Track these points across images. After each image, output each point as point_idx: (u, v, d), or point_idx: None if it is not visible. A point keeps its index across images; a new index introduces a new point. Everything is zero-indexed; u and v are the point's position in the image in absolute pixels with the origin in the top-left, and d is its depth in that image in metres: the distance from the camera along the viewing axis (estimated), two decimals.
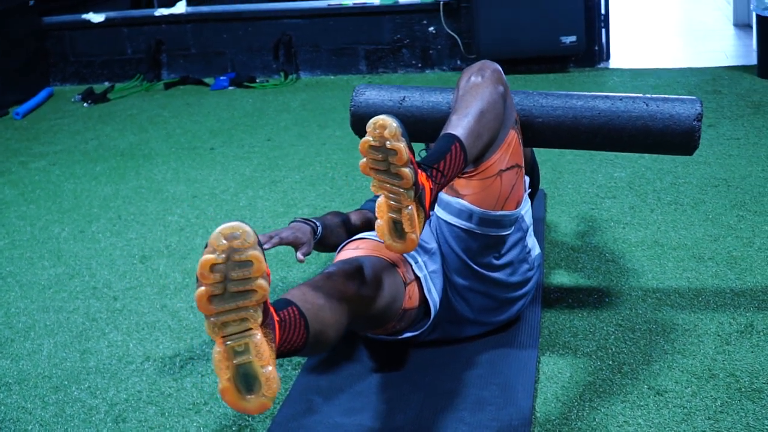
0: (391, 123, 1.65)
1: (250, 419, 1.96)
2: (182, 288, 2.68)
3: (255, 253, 1.39)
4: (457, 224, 2.08)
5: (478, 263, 2.10)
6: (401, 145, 1.65)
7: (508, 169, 2.09)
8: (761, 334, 2.16)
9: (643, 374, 2.03)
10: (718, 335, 2.17)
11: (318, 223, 2.28)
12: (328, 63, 5.66)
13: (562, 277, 2.54)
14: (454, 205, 2.06)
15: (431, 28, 5.41)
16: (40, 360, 2.32)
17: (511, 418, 1.86)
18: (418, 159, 1.80)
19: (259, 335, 1.41)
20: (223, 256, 1.38)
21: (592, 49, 5.25)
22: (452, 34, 5.35)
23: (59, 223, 3.36)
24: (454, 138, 1.89)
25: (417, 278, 2.06)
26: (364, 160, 1.70)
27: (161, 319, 2.49)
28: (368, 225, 2.50)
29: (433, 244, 2.11)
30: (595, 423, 1.86)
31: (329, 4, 5.57)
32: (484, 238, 2.08)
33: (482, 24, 5.10)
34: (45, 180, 3.94)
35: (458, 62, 5.43)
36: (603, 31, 5.36)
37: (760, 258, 2.56)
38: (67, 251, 3.06)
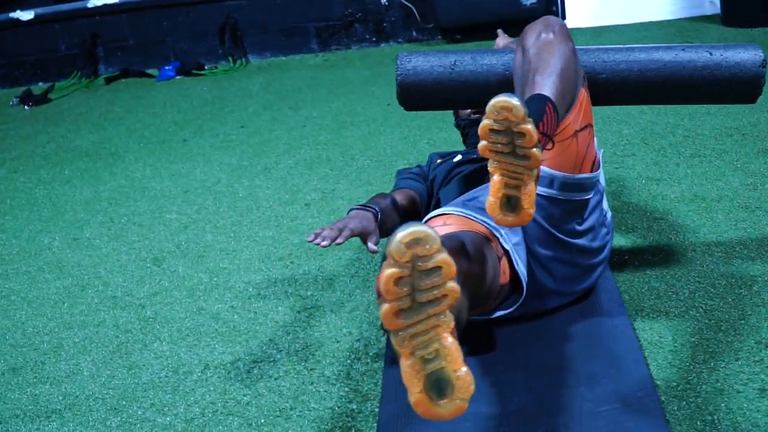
0: (516, 104, 1.51)
1: (351, 419, 1.81)
2: (213, 288, 2.49)
3: (443, 257, 1.22)
4: (537, 192, 1.95)
5: (562, 230, 1.98)
6: (530, 127, 1.52)
7: (582, 129, 1.98)
8: None
9: (744, 329, 1.95)
10: None
11: (377, 209, 2.15)
12: (277, 44, 5.46)
13: (619, 240, 2.45)
14: None
15: (384, 0, 5.26)
16: (83, 381, 2.11)
17: (634, 389, 1.76)
18: None
19: (450, 339, 1.26)
20: (408, 267, 1.22)
21: (550, 10, 5.19)
22: (407, 4, 5.21)
23: (46, 232, 3.11)
24: (546, 99, 1.77)
25: (505, 252, 1.93)
26: (485, 143, 1.56)
27: (203, 323, 2.30)
28: (415, 205, 2.37)
29: None
30: (719, 384, 1.77)
31: None
32: (566, 204, 1.96)
33: None
34: (12, 188, 3.67)
35: (414, 33, 5.30)
36: None
37: None
38: (67, 261, 2.83)
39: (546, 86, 1.81)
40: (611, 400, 1.74)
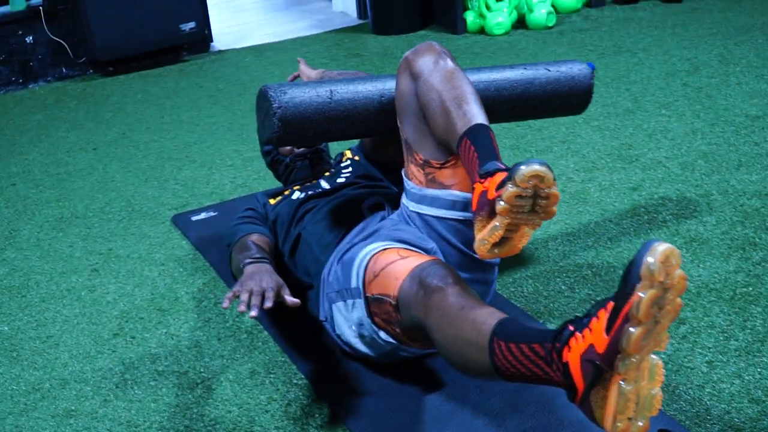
0: (549, 173, 1.58)
1: None
2: (62, 387, 2.11)
3: (683, 272, 1.28)
4: (452, 217, 1.96)
5: None
6: (556, 191, 1.61)
7: None
8: None
9: None
10: None
11: (267, 259, 2.07)
12: None
13: None
14: (445, 198, 1.95)
15: (29, 38, 4.76)
16: None
17: None
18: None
19: (657, 357, 1.25)
20: (660, 286, 1.25)
21: (202, 33, 5.08)
22: (58, 40, 4.77)
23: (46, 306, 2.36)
24: (487, 128, 1.81)
25: None
26: (506, 206, 1.59)
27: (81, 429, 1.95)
28: (269, 247, 2.28)
29: (431, 244, 1.97)
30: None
31: None
32: None
33: (95, 24, 4.62)
34: None
35: (64, 70, 4.87)
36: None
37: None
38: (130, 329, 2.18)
39: (477, 114, 1.84)
40: None
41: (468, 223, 1.96)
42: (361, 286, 1.86)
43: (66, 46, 4.81)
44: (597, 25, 4.89)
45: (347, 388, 1.96)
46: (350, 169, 2.43)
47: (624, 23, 4.87)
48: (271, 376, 2.06)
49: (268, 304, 1.82)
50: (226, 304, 1.80)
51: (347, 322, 1.95)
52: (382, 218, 2.13)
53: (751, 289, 2.19)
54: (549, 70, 2.26)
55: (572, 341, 1.32)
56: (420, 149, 1.97)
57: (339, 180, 2.39)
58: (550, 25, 4.91)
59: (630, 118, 3.42)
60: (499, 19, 4.84)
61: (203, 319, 2.32)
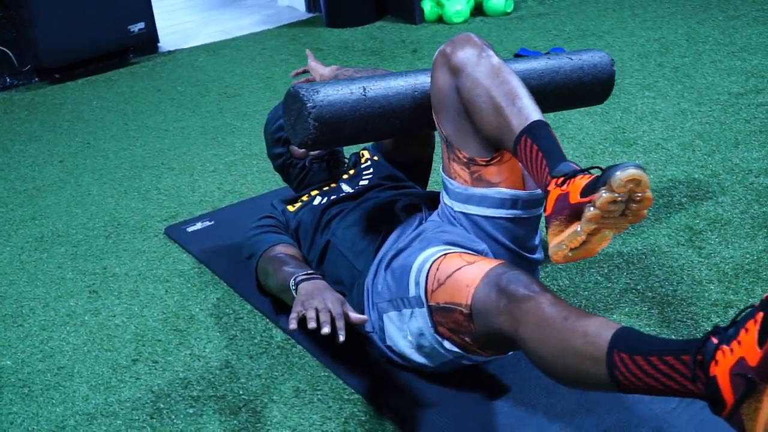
0: (644, 176, 1.49)
1: None
2: (84, 424, 1.96)
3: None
4: (501, 215, 1.88)
5: (526, 249, 1.94)
6: (650, 194, 1.52)
7: None
8: None
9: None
10: None
11: (317, 273, 1.94)
12: None
13: None
14: (493, 196, 1.86)
15: None
16: None
17: None
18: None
19: None
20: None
21: (151, 34, 4.89)
22: (0, 48, 4.52)
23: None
24: (547, 125, 1.75)
25: None
26: (597, 212, 1.49)
27: None
28: (301, 254, 2.16)
29: (482, 245, 1.88)
30: None
31: None
32: (529, 222, 1.92)
33: (40, 29, 4.39)
34: None
35: (8, 79, 4.62)
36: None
37: None
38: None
39: (534, 111, 1.77)
40: None
41: (519, 221, 1.89)
42: (422, 295, 1.77)
43: (10, 54, 4.55)
44: (555, 9, 4.86)
45: (406, 400, 1.87)
46: (371, 170, 2.33)
47: (581, 6, 4.86)
48: (319, 393, 1.95)
49: (341, 337, 1.69)
50: (293, 325, 1.68)
51: (402, 332, 1.85)
52: (421, 220, 2.04)
53: None
54: (571, 59, 2.20)
55: (719, 355, 1.26)
56: (463, 147, 1.88)
57: (362, 182, 2.28)
58: (509, 10, 4.86)
59: (615, 101, 3.39)
60: (458, 7, 4.78)
61: (227, 337, 2.19)
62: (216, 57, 4.72)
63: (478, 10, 4.95)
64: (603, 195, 1.48)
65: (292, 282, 1.88)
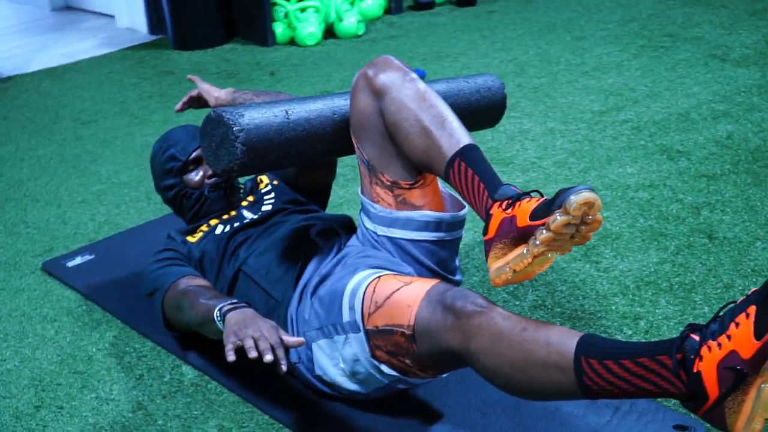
0: (597, 199, 1.51)
1: None
2: None
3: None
4: (426, 238, 1.89)
5: (449, 270, 1.96)
6: (600, 216, 1.55)
7: None
8: None
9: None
10: None
11: (243, 302, 1.86)
12: None
13: None
14: (418, 219, 1.87)
15: None
16: None
17: None
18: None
19: None
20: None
21: None
22: None
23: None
24: (479, 149, 1.77)
25: None
26: (551, 235, 1.51)
27: None
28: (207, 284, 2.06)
29: (408, 268, 1.88)
30: None
31: None
32: (451, 244, 1.94)
33: None
34: None
35: None
36: None
37: None
38: None
39: (464, 135, 1.78)
40: None
41: (440, 243, 1.90)
42: (359, 319, 1.73)
43: None
44: (405, 32, 4.94)
45: (340, 431, 1.82)
46: (273, 194, 2.27)
47: (430, 29, 4.96)
48: (245, 429, 1.87)
49: (284, 366, 1.62)
50: (232, 356, 1.60)
51: (333, 360, 1.81)
52: (339, 245, 2.01)
53: (682, 278, 2.28)
54: (468, 83, 2.22)
55: (704, 351, 1.30)
56: (386, 170, 1.87)
57: (264, 207, 2.22)
58: (360, 33, 4.90)
59: None
60: (310, 29, 4.76)
61: (134, 377, 2.07)
62: (62, 82, 4.48)
63: (329, 33, 4.95)
64: (558, 218, 1.49)
65: (217, 313, 1.79)
